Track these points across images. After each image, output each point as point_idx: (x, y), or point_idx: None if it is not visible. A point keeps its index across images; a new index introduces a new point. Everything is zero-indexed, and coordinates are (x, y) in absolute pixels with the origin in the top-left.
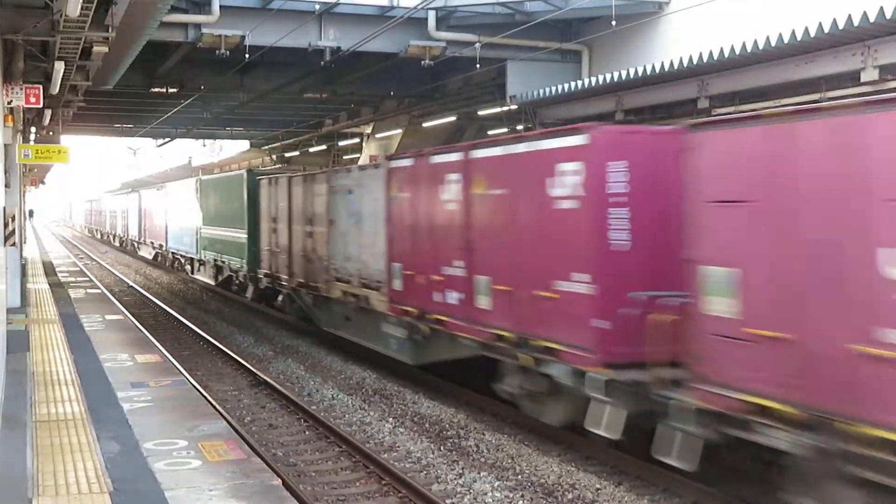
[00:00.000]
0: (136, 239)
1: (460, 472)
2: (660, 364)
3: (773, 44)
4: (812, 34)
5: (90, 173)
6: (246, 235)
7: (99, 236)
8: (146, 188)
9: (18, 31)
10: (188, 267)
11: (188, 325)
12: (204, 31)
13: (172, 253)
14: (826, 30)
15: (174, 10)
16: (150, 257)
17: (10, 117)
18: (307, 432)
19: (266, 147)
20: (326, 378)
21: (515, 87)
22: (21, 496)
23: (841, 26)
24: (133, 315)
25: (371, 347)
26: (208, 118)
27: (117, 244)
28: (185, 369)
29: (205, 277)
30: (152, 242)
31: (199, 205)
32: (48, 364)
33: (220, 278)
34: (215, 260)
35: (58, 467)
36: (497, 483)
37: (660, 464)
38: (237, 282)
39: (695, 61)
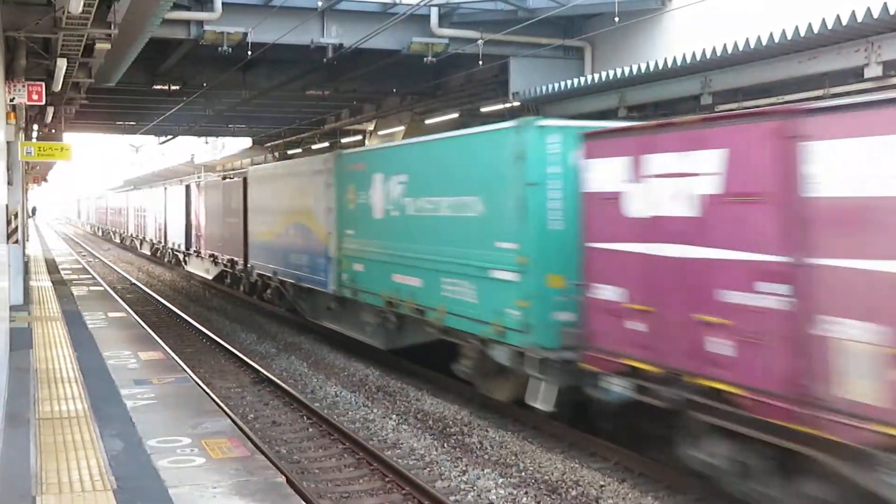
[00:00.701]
0: (183, 248)
1: (464, 469)
2: None
3: (776, 40)
4: (815, 30)
5: (93, 170)
6: (522, 267)
7: (118, 240)
8: (197, 178)
9: (21, 28)
10: (302, 304)
11: (191, 323)
12: (206, 28)
13: (262, 275)
14: (829, 26)
15: (176, 7)
16: (210, 276)
17: (12, 114)
18: (310, 429)
19: (268, 144)
20: (329, 375)
21: (518, 83)
22: (24, 494)
23: (844, 22)
24: (136, 312)
25: None
26: (210, 115)
27: (147, 252)
28: (188, 366)
29: (362, 333)
30: (215, 256)
31: (337, 199)
32: (51, 361)
33: (407, 341)
34: (391, 304)
35: (61, 465)
36: (501, 480)
37: (664, 461)
38: (482, 360)
39: (698, 57)
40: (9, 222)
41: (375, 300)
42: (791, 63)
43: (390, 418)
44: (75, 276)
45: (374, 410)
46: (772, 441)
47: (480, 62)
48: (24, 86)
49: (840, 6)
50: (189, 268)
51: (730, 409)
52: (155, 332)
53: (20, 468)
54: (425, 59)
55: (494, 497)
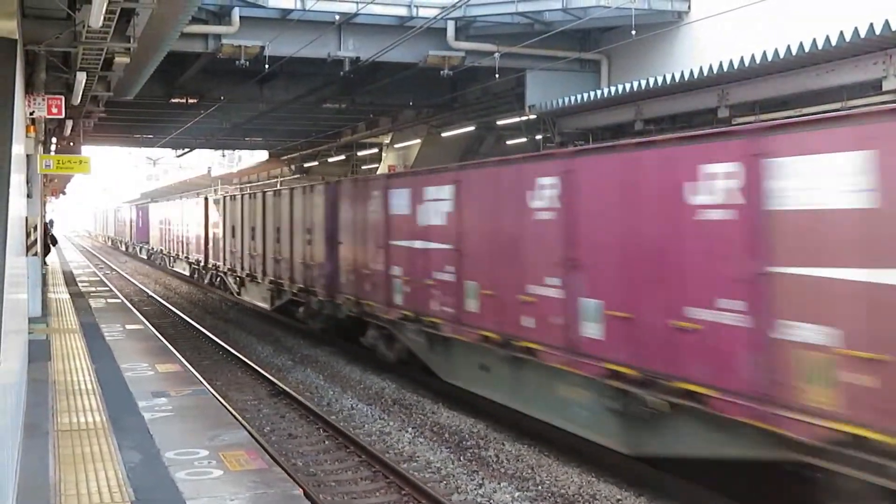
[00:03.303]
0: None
1: (480, 482)
2: None
3: (794, 53)
4: (833, 43)
5: (110, 182)
6: None
7: (206, 279)
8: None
9: (41, 42)
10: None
11: (207, 335)
12: (224, 41)
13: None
14: (847, 38)
15: (194, 20)
16: (269, 306)
17: (31, 128)
18: (327, 442)
19: (285, 157)
20: (346, 388)
21: (534, 96)
22: None
23: (862, 35)
24: (153, 325)
25: None
26: (227, 128)
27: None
28: (204, 379)
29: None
30: (279, 282)
31: None
32: (69, 373)
33: None
34: None
35: (79, 476)
36: (517, 493)
37: (681, 475)
38: None
39: (715, 70)
40: (28, 235)
41: None
42: (809, 76)
43: (406, 431)
44: (93, 289)
45: (391, 423)
46: None
47: (497, 75)
48: (43, 99)
49: (858, 18)
50: (245, 296)
51: None
52: (172, 345)
53: (39, 479)
54: (442, 72)
55: None
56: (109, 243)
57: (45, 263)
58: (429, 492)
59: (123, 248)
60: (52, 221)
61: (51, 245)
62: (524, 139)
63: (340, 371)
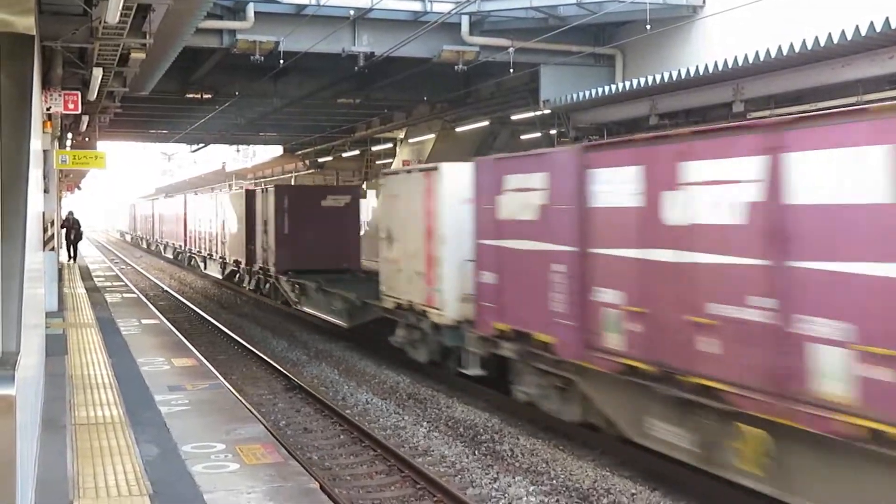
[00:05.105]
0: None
1: (495, 476)
2: None
3: (809, 47)
4: (849, 37)
5: (127, 178)
6: None
7: None
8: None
9: (57, 38)
10: None
11: (223, 330)
12: (239, 36)
13: None
14: (863, 33)
15: (209, 16)
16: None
17: (48, 123)
18: (342, 436)
19: (299, 152)
20: (360, 382)
21: (549, 91)
22: (62, 498)
23: (878, 29)
24: (168, 319)
25: None
26: (242, 123)
27: None
28: (220, 373)
29: None
30: None
31: None
32: (86, 367)
33: None
34: None
35: (97, 470)
36: (532, 488)
37: (698, 469)
38: None
39: (729, 65)
40: (45, 230)
41: None
42: (824, 70)
43: (421, 425)
44: (108, 284)
45: (406, 418)
46: None
47: (511, 70)
48: (60, 95)
49: (874, 12)
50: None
51: None
52: (188, 339)
53: (57, 473)
54: (456, 67)
55: None
56: (171, 255)
57: (73, 260)
58: (444, 486)
59: (203, 268)
60: (73, 216)
61: (76, 243)
62: (538, 134)
63: (355, 366)
